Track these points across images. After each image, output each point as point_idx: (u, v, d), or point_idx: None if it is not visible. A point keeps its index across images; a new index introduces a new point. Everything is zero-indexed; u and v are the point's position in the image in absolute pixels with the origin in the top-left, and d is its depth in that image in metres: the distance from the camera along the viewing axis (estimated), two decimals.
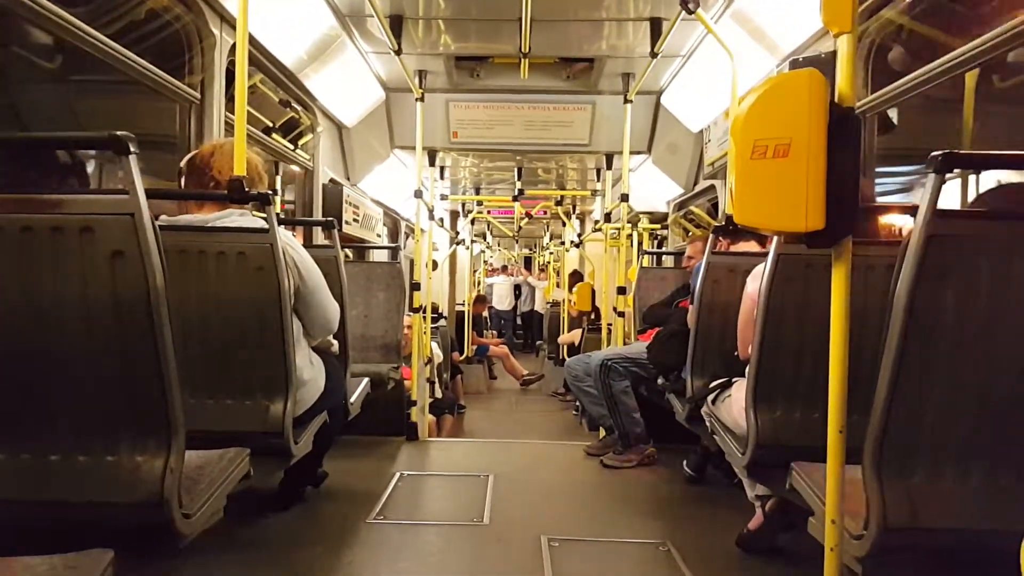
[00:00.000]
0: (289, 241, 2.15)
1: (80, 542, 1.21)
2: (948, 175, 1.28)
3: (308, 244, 3.91)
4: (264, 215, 1.96)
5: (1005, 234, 1.29)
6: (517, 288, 15.24)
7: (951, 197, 2.71)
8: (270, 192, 1.94)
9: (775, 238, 1.94)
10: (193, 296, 1.93)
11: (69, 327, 1.33)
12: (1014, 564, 0.73)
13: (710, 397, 2.49)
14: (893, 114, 3.06)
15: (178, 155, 2.22)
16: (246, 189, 1.88)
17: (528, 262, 18.20)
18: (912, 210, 1.30)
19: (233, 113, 1.97)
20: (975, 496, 1.32)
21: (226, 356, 1.99)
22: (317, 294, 2.23)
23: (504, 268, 15.86)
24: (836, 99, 1.24)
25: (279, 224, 1.99)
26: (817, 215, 1.21)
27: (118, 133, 1.26)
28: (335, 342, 2.58)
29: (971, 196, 2.77)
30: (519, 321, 15.35)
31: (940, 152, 1.24)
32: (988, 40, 2.17)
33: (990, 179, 2.35)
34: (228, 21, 2.95)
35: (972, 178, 2.72)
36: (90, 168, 2.75)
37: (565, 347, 8.53)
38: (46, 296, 1.31)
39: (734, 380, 2.38)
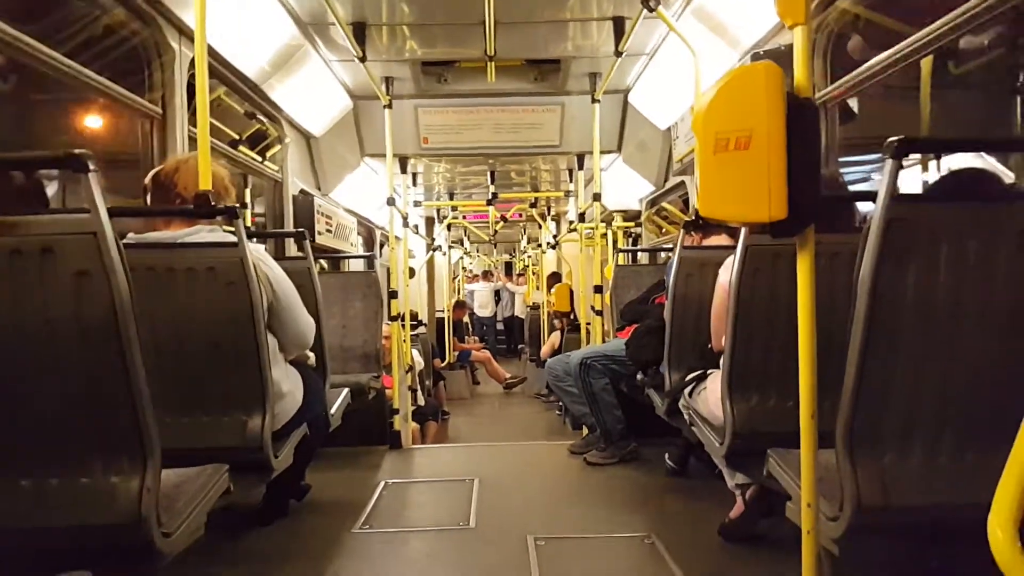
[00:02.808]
0: (260, 256, 2.13)
1: (59, 565, 1.20)
2: (906, 160, 1.31)
3: (281, 257, 3.89)
4: (233, 229, 1.95)
5: (962, 216, 1.31)
6: (497, 294, 15.25)
7: (916, 184, 2.76)
8: (237, 205, 1.93)
9: (742, 230, 1.96)
10: (164, 314, 1.91)
11: (34, 350, 1.31)
12: (983, 537, 0.75)
13: (687, 390, 2.51)
14: (854, 103, 3.11)
15: (142, 172, 2.19)
16: (213, 203, 1.87)
17: (508, 267, 18.20)
18: (874, 196, 1.33)
19: (196, 127, 1.95)
20: (944, 472, 1.35)
21: (201, 373, 1.97)
22: (290, 310, 2.21)
23: (485, 274, 15.86)
24: (794, 90, 1.26)
25: (249, 238, 1.97)
26: (780, 205, 1.22)
27: (76, 151, 1.24)
28: (311, 354, 2.56)
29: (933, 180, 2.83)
30: (500, 327, 15.35)
31: (896, 138, 1.26)
32: (941, 26, 2.22)
33: (955, 164, 2.40)
34: (187, 34, 2.92)
35: (933, 164, 2.78)
36: (53, 190, 2.70)
37: (544, 353, 8.54)
38: (7, 320, 1.29)
39: (709, 372, 2.40)
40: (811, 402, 1.29)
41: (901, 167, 1.28)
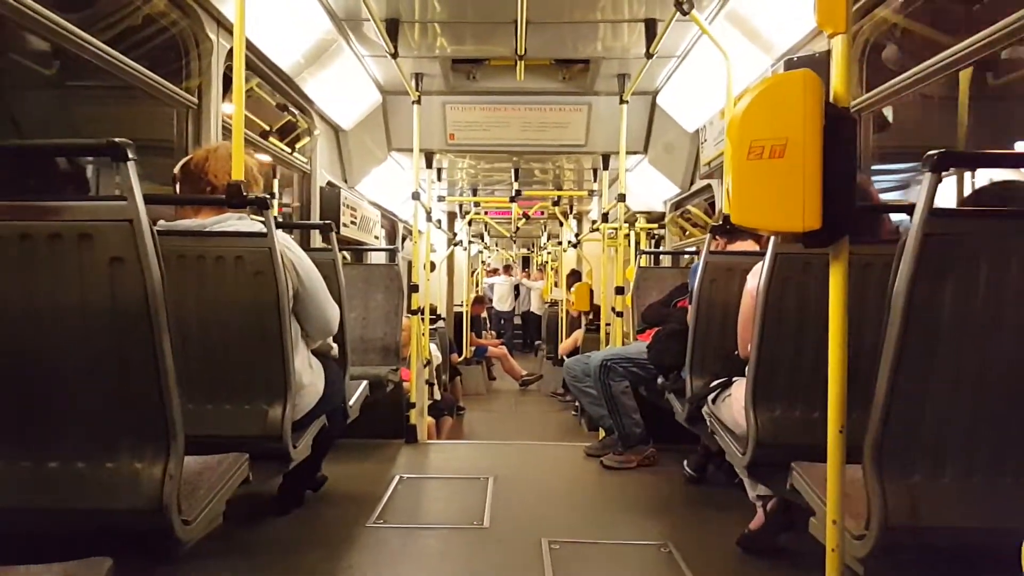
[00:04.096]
0: (287, 244, 2.15)
1: (80, 549, 1.21)
2: (944, 173, 1.28)
3: (306, 247, 3.92)
4: (262, 219, 1.96)
5: (1002, 231, 1.29)
6: (517, 288, 15.23)
7: (947, 195, 2.71)
8: (268, 196, 1.94)
9: (771, 237, 1.94)
10: (192, 301, 1.93)
11: (68, 334, 1.33)
12: (1015, 563, 0.73)
13: (710, 397, 2.49)
14: (888, 112, 3.06)
15: (176, 160, 2.22)
16: (244, 193, 1.88)
17: (526, 262, 18.18)
18: (909, 209, 1.30)
19: (231, 117, 1.97)
20: (976, 495, 1.32)
21: (225, 361, 1.99)
22: (316, 297, 2.23)
23: (506, 268, 15.85)
24: (831, 99, 1.24)
25: (277, 228, 1.98)
26: (814, 215, 1.21)
27: (116, 140, 1.26)
28: (334, 345, 2.57)
29: (967, 194, 2.78)
30: (518, 321, 15.34)
31: (936, 151, 1.24)
32: (981, 38, 2.18)
33: (985, 177, 2.36)
34: (225, 26, 2.95)
35: (967, 175, 2.73)
36: (87, 174, 2.75)
37: (564, 350, 8.52)
38: (45, 303, 1.31)
39: (734, 379, 2.37)
40: (840, 416, 1.27)
41: (940, 180, 1.26)
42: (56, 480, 1.37)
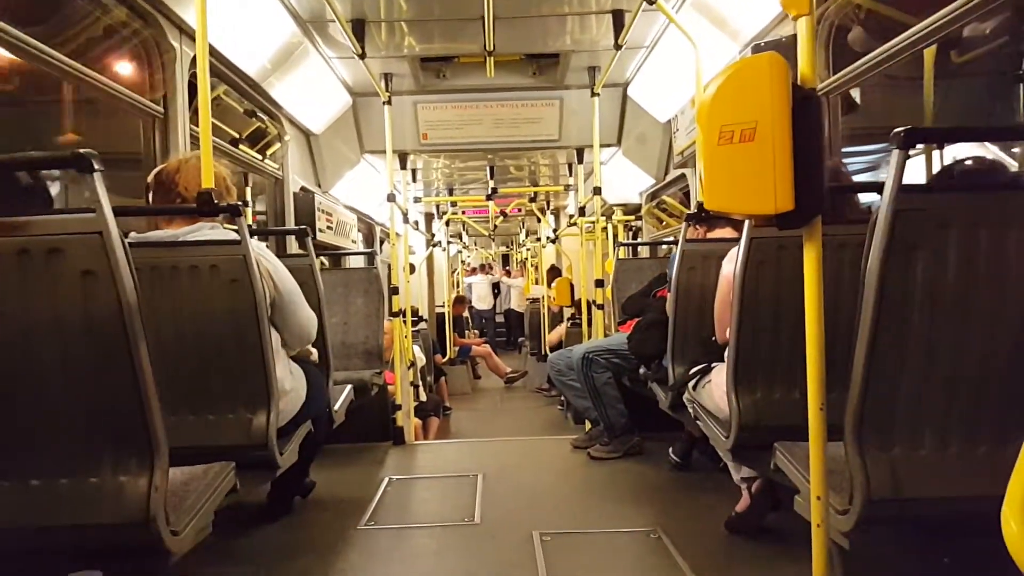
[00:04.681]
0: (262, 252, 2.13)
1: (69, 565, 1.20)
2: (911, 151, 1.30)
3: (282, 254, 3.88)
4: (235, 227, 1.94)
5: (970, 206, 1.31)
6: (496, 287, 15.23)
7: (916, 174, 2.76)
8: (240, 203, 1.92)
9: (746, 222, 1.96)
10: (168, 312, 1.91)
11: (42, 350, 1.31)
12: (996, 529, 0.75)
13: (691, 383, 2.51)
14: (856, 94, 3.10)
15: (144, 171, 2.19)
16: (216, 202, 1.86)
17: (506, 260, 18.18)
18: (879, 187, 1.32)
19: (198, 126, 1.95)
20: (955, 464, 1.35)
21: (205, 371, 1.97)
22: (293, 304, 2.21)
23: (483, 267, 15.84)
24: (798, 81, 1.25)
25: (251, 235, 1.97)
26: (786, 196, 1.22)
27: (81, 151, 1.24)
28: (314, 350, 2.56)
29: (936, 171, 2.82)
30: (500, 319, 15.34)
31: (902, 128, 1.26)
32: (944, 16, 2.21)
33: (958, 154, 2.39)
34: (187, 33, 2.91)
35: (936, 153, 2.77)
36: (55, 190, 2.70)
37: (549, 344, 8.54)
38: (16, 320, 1.29)
39: (714, 365, 2.40)
40: (819, 394, 1.29)
41: (908, 157, 1.28)
42: (40, 498, 1.35)
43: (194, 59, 2.92)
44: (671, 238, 5.47)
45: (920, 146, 2.59)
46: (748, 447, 2.04)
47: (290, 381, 2.25)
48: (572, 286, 7.67)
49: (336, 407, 2.73)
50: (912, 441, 1.36)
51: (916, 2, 2.55)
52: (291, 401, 2.24)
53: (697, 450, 3.31)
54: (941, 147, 2.63)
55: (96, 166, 1.25)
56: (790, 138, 1.21)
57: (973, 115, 2.93)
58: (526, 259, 13.85)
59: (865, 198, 2.16)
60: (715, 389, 2.28)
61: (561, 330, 7.98)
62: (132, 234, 2.00)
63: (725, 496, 2.56)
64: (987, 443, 1.34)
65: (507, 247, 17.87)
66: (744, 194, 1.25)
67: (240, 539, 2.54)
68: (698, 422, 2.44)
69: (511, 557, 2.34)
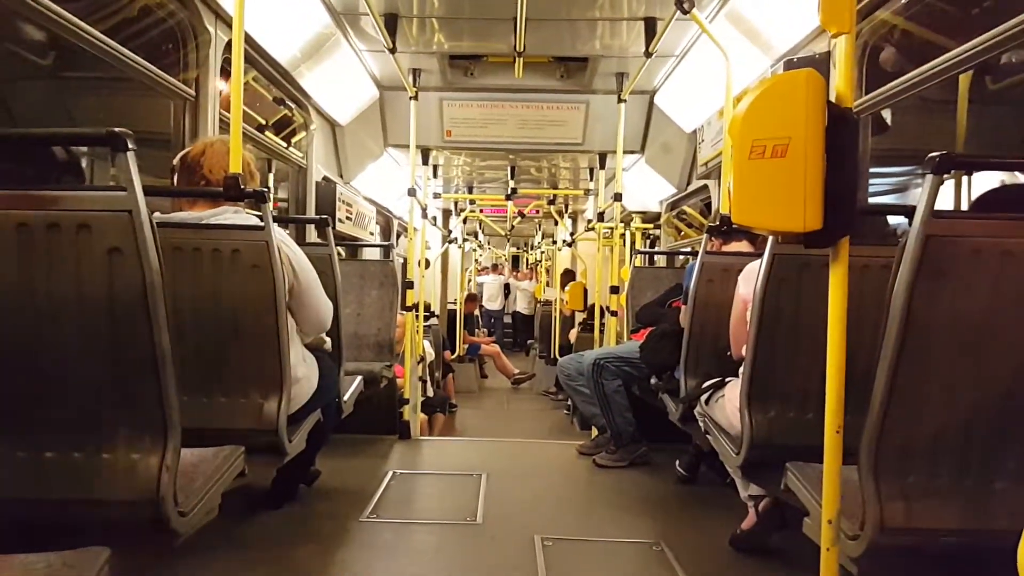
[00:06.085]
0: (284, 239, 2.14)
1: (77, 540, 1.21)
2: (945, 176, 1.29)
3: (301, 242, 3.90)
4: (259, 213, 1.95)
5: (1002, 235, 1.29)
6: (506, 287, 15.23)
7: (944, 198, 2.72)
8: (265, 190, 1.93)
9: (769, 238, 1.94)
10: (188, 293, 1.92)
11: (65, 324, 1.31)
12: (1011, 565, 0.73)
13: (703, 397, 2.49)
14: (887, 115, 3.07)
15: (172, 152, 2.21)
16: (242, 187, 1.87)
17: (516, 261, 18.15)
18: (908, 211, 1.31)
19: (227, 110, 1.96)
20: (971, 497, 1.33)
21: (221, 354, 1.98)
22: (311, 292, 2.22)
23: (495, 267, 15.85)
24: (834, 99, 1.24)
25: (274, 222, 1.98)
26: (815, 215, 1.21)
27: (116, 129, 1.25)
28: (328, 339, 2.57)
29: (964, 196, 2.79)
30: (508, 320, 15.33)
31: (937, 153, 1.24)
32: (982, 42, 2.19)
33: (984, 180, 2.37)
34: (223, 18, 2.94)
35: (965, 179, 2.74)
36: (82, 165, 2.72)
37: (558, 346, 8.53)
38: (42, 293, 1.30)
39: (728, 380, 2.38)
40: (837, 417, 1.27)
41: (941, 182, 1.27)
42: (53, 470, 1.36)
43: (228, 44, 2.94)
44: (689, 248, 5.45)
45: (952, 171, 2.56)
46: (758, 465, 2.02)
47: (303, 368, 2.25)
48: (586, 290, 7.66)
49: (346, 397, 2.73)
50: (929, 471, 1.34)
51: (952, 25, 2.52)
52: (303, 388, 2.25)
53: (704, 464, 3.29)
54: (970, 174, 2.61)
55: (130, 145, 1.26)
56: (823, 156, 1.20)
57: (1004, 142, 2.90)
58: (539, 261, 13.83)
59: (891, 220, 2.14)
60: (728, 404, 2.27)
61: (574, 333, 7.97)
62: (156, 214, 2.01)
63: (731, 512, 2.54)
64: (1006, 479, 1.32)
65: (517, 248, 17.83)
66: (773, 210, 1.23)
67: (243, 524, 2.55)
68: (708, 436, 2.43)
69: (512, 559, 2.33)
